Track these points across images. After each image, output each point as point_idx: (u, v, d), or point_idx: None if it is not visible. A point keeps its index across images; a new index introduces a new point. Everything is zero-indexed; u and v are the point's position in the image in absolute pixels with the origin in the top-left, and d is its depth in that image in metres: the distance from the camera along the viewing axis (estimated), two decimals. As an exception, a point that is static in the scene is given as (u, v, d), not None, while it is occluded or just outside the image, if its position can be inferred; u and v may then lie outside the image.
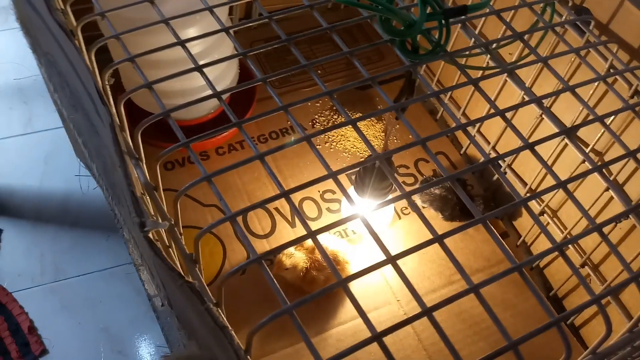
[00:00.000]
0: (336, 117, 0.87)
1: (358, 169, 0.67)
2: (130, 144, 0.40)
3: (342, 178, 0.80)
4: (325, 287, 0.32)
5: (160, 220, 0.38)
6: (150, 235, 0.35)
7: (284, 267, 0.65)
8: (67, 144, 1.20)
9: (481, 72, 0.45)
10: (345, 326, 0.67)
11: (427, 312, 0.31)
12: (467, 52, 0.50)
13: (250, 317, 0.65)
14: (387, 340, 0.67)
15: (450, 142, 0.86)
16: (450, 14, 0.45)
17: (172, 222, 0.37)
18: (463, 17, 0.47)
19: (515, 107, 0.43)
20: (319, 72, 0.91)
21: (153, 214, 0.39)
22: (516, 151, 0.39)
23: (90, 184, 1.16)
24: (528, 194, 0.72)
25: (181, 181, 0.77)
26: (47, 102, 1.43)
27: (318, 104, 0.88)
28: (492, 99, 0.76)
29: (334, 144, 0.84)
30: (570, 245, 0.65)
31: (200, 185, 0.78)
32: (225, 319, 0.32)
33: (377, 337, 0.30)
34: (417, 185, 0.77)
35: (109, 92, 0.45)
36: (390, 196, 0.72)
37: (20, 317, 1.11)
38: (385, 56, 0.95)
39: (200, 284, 0.32)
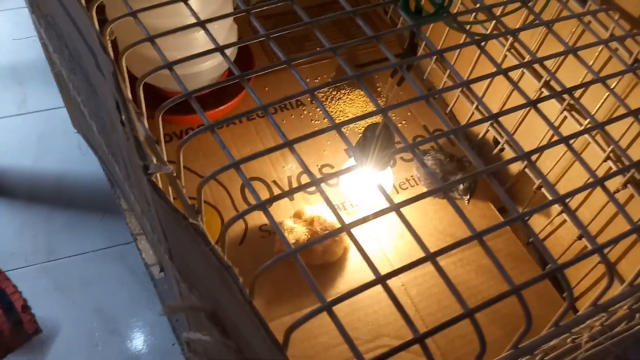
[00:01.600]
0: (335, 92, 0.86)
1: (359, 138, 0.67)
2: (130, 96, 0.40)
3: (340, 153, 0.80)
4: (331, 231, 0.32)
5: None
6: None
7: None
8: (61, 124, 1.19)
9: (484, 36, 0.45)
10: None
11: (431, 256, 0.31)
12: (471, 16, 0.50)
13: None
14: (385, 309, 0.67)
15: (448, 119, 0.87)
16: (455, -25, 0.45)
17: (175, 175, 0.37)
18: (467, -21, 0.47)
19: (519, 67, 0.43)
20: (318, 48, 0.91)
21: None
22: (519, 108, 0.39)
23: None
24: (527, 169, 0.72)
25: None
26: (41, 83, 1.42)
27: (317, 80, 0.88)
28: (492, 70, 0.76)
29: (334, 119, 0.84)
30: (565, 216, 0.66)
31: (198, 157, 0.78)
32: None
33: (381, 279, 0.30)
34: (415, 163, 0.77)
35: (110, 48, 0.45)
36: (390, 169, 0.72)
37: (13, 295, 1.10)
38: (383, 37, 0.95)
39: (202, 227, 0.31)
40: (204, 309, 0.36)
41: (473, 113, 0.81)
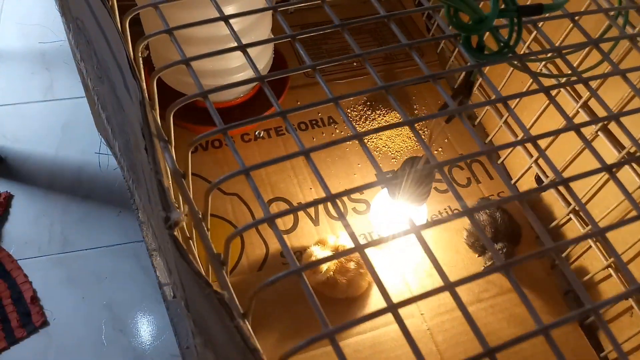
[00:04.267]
0: (369, 112, 0.82)
1: (397, 170, 0.63)
2: (159, 124, 0.36)
3: (370, 177, 0.76)
4: (373, 312, 0.28)
5: (183, 211, 0.34)
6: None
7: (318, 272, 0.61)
8: (86, 114, 1.17)
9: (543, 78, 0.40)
10: (364, 336, 0.63)
11: (489, 352, 0.27)
12: (536, 56, 0.46)
13: (265, 318, 0.62)
14: (408, 354, 0.63)
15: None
16: (525, 12, 0.40)
17: (201, 216, 0.33)
18: (536, 17, 0.42)
19: (593, 122, 0.38)
20: (355, 64, 0.87)
21: (176, 202, 0.35)
22: (593, 173, 0.35)
23: (110, 163, 1.12)
24: (571, 212, 0.67)
25: (204, 165, 0.73)
26: (69, 70, 1.40)
27: (351, 98, 0.84)
28: (539, 114, 0.71)
29: (365, 141, 0.79)
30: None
31: (224, 172, 0.74)
32: (253, 334, 0.29)
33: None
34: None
35: (142, 66, 0.41)
36: (424, 204, 0.68)
37: (23, 285, 1.08)
38: (425, 53, 0.90)
39: (230, 295, 0.28)
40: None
41: (515, 147, 0.76)
